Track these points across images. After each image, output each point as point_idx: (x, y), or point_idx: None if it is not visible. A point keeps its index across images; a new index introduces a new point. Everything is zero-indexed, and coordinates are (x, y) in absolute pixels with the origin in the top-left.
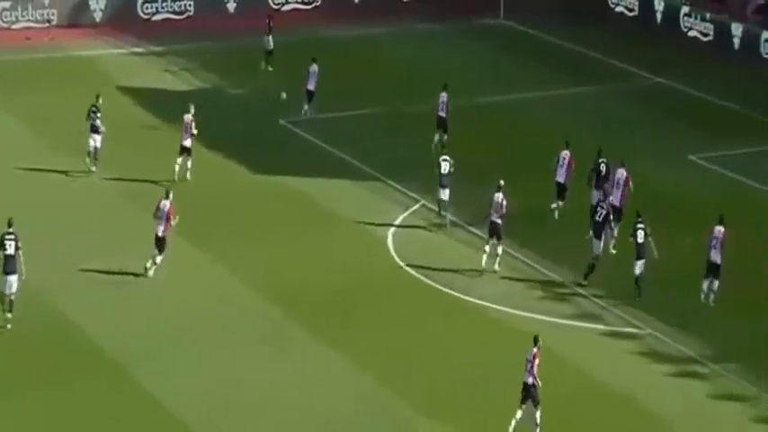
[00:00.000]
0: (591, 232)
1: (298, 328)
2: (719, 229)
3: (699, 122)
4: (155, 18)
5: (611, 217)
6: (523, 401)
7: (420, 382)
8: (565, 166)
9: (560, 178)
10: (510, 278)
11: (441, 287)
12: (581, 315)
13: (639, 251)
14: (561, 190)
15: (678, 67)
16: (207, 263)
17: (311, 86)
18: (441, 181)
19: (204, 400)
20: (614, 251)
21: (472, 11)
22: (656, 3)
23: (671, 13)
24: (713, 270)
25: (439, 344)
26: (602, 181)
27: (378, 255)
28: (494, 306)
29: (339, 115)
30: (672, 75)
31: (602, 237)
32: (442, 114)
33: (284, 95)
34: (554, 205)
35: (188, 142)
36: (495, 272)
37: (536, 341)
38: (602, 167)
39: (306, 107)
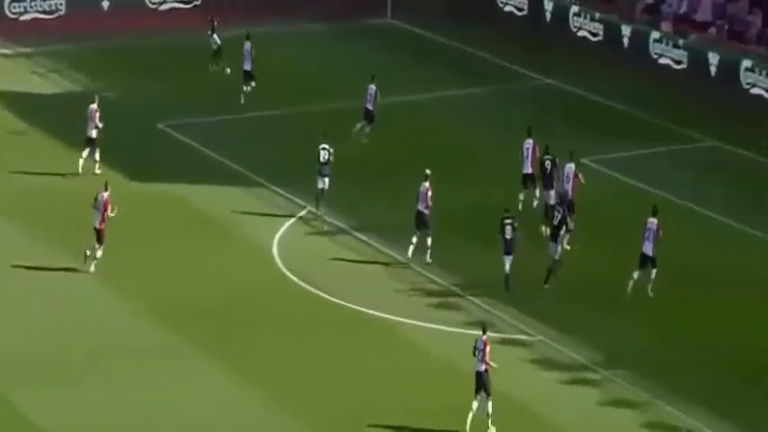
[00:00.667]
0: (547, 233)
1: (178, 342)
2: (653, 221)
3: (589, 124)
4: (23, 18)
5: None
6: (478, 392)
7: (307, 396)
8: (530, 157)
9: (528, 169)
10: (400, 286)
11: (327, 296)
12: (472, 322)
13: (507, 247)
14: (529, 180)
15: (568, 67)
16: (82, 275)
17: (248, 66)
18: (320, 170)
19: (84, 421)
20: (569, 247)
21: (359, 11)
22: (545, 2)
23: (560, 13)
24: (645, 262)
25: (325, 354)
26: (549, 178)
27: (262, 263)
28: (383, 315)
29: (220, 119)
30: (561, 75)
31: (557, 240)
32: (369, 107)
33: (228, 71)
34: (521, 197)
35: (93, 133)
36: (427, 263)
37: (484, 330)
38: (548, 164)
39: (246, 88)
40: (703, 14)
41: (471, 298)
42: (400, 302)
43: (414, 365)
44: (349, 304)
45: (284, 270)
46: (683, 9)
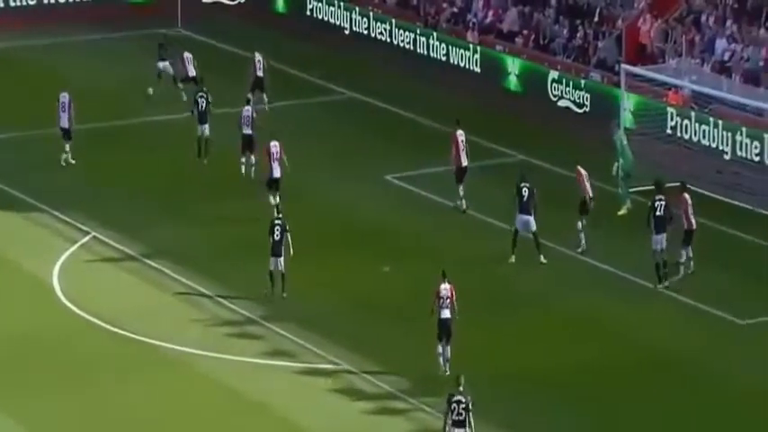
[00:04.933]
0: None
1: None
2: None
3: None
4: None
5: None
6: (441, 338)
7: None
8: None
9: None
10: (196, 317)
11: (113, 329)
12: (273, 353)
13: (276, 249)
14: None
15: (373, 79)
16: None
17: (192, 73)
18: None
19: None
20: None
21: (149, 22)
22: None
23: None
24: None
25: (120, 396)
26: (526, 204)
27: (43, 299)
28: (178, 348)
29: None
30: (364, 88)
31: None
32: (260, 74)
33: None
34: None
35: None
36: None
37: (444, 275)
38: (525, 191)
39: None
40: (510, 24)
41: (272, 326)
42: (197, 334)
43: (214, 400)
44: (140, 337)
45: (68, 304)
46: (489, 19)
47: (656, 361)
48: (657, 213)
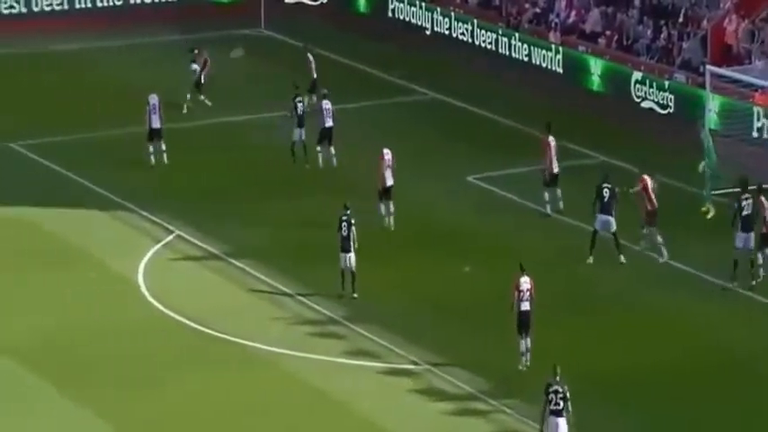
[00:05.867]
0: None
1: (39, 383)
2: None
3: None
4: None
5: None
6: (520, 330)
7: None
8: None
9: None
10: (279, 315)
11: (198, 326)
12: (356, 352)
13: (345, 245)
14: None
15: (457, 80)
16: None
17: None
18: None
19: None
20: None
21: (231, 22)
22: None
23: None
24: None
25: (205, 394)
26: (608, 205)
27: (129, 296)
28: (262, 347)
29: (74, 138)
30: (450, 89)
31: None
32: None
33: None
34: None
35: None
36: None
37: (522, 268)
38: (606, 192)
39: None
40: (593, 25)
41: (353, 326)
42: (280, 333)
43: (298, 400)
44: (224, 335)
45: (152, 301)
46: (572, 19)
47: (735, 361)
48: (744, 213)
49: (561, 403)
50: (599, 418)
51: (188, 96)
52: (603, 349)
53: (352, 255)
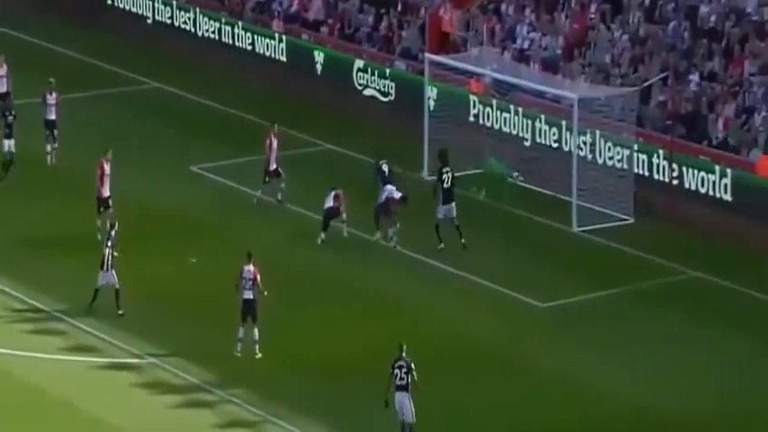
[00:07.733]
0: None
1: None
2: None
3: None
4: None
5: None
6: (244, 319)
7: None
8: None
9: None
10: None
11: None
12: (74, 348)
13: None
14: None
15: (175, 69)
16: None
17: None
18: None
19: None
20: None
21: None
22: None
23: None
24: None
25: None
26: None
27: None
28: None
29: None
30: (166, 78)
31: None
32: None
33: None
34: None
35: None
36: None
37: (249, 256)
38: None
39: None
40: (315, 13)
41: (71, 321)
42: None
43: (18, 401)
44: None
45: None
46: (294, 8)
47: (463, 348)
48: (445, 186)
49: (406, 377)
50: (320, 401)
51: None
52: (331, 337)
53: (111, 272)
